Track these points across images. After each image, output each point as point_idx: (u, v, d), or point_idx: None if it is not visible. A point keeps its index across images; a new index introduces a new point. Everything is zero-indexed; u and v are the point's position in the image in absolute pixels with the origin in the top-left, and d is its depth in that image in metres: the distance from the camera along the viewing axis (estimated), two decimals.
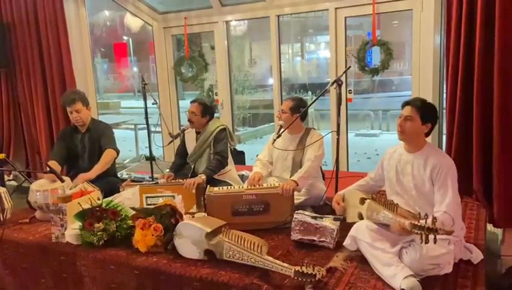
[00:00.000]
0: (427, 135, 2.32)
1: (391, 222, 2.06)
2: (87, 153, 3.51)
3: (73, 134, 3.56)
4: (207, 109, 3.46)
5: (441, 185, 2.18)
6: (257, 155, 3.41)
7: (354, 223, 2.35)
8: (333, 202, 2.64)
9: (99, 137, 3.49)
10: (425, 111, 2.26)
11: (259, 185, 2.91)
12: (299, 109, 3.06)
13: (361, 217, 2.36)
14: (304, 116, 3.14)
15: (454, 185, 2.19)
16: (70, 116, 3.47)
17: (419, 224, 1.86)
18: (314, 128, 3.23)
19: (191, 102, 3.51)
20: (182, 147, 3.67)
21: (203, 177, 3.15)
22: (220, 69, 5.03)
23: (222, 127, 3.45)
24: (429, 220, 1.85)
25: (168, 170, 3.60)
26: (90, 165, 3.36)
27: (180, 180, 3.21)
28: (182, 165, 3.64)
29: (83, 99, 3.48)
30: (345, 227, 2.45)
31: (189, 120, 3.47)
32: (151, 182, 3.48)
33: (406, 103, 2.32)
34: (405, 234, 2.01)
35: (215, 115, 3.64)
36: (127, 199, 2.94)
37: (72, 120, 3.49)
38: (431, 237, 1.83)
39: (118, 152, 3.52)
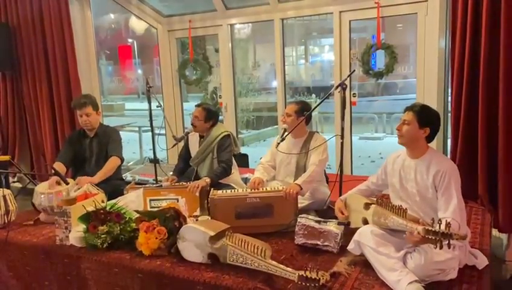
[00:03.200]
0: (429, 140, 2.31)
1: (401, 227, 2.05)
2: (94, 157, 3.53)
3: (82, 138, 3.59)
4: (211, 114, 3.45)
5: (444, 191, 2.17)
6: (261, 158, 3.40)
7: (358, 228, 2.34)
8: (336, 211, 2.62)
9: (107, 142, 3.52)
10: (422, 115, 2.26)
11: (257, 189, 2.90)
12: (304, 112, 3.06)
13: (366, 222, 2.35)
14: (308, 120, 3.14)
15: (458, 190, 2.17)
16: (79, 119, 3.50)
17: (433, 229, 1.84)
18: (317, 132, 3.22)
19: (196, 106, 3.51)
20: (185, 150, 3.67)
21: (208, 180, 3.15)
22: (224, 71, 5.03)
23: (226, 133, 3.44)
24: (443, 226, 1.84)
25: (171, 173, 3.61)
26: (97, 170, 3.38)
27: (184, 183, 3.21)
28: (185, 169, 3.64)
29: (93, 104, 3.51)
30: (349, 231, 2.44)
31: (192, 124, 3.48)
32: (155, 185, 3.49)
33: (406, 108, 2.34)
34: (420, 243, 1.97)
35: (219, 118, 3.63)
36: (131, 201, 2.94)
37: (81, 123, 3.52)
38: (445, 242, 1.81)
39: (122, 160, 3.56)
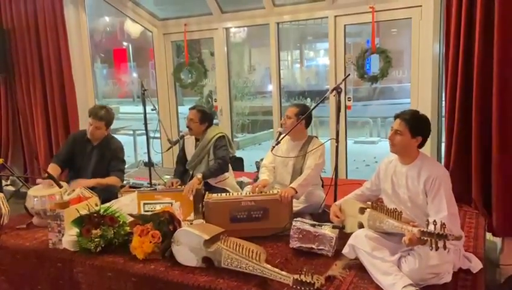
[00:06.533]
0: (420, 146, 2.31)
1: (397, 230, 2.05)
2: (91, 166, 3.45)
3: (85, 143, 3.51)
4: (205, 116, 3.46)
5: (434, 197, 2.17)
6: (256, 161, 3.40)
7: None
8: (331, 215, 2.62)
9: (110, 157, 3.46)
10: (414, 125, 2.26)
11: (260, 192, 2.89)
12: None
13: (361, 227, 2.35)
14: (308, 123, 3.14)
15: (448, 195, 2.18)
16: (88, 126, 3.43)
17: (428, 230, 1.85)
18: (316, 137, 3.21)
19: (190, 109, 3.51)
20: (182, 153, 3.66)
21: (199, 176, 3.14)
22: (219, 75, 5.04)
23: (221, 134, 3.44)
24: (438, 226, 1.84)
25: (169, 177, 3.60)
26: (92, 178, 3.33)
27: (179, 187, 3.20)
28: (184, 171, 3.63)
29: (108, 121, 3.44)
30: (344, 235, 2.45)
31: (187, 127, 3.47)
32: (149, 188, 3.47)
33: (396, 116, 2.33)
34: (418, 244, 1.96)
35: (214, 121, 3.63)
36: (125, 205, 2.93)
37: (87, 131, 3.44)
38: (440, 243, 1.82)
39: (122, 181, 3.55)
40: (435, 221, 1.88)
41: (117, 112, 14.88)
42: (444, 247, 1.82)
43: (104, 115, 3.41)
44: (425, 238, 1.85)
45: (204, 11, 4.89)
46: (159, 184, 3.56)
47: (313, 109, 3.15)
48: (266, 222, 2.74)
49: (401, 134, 2.27)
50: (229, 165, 3.59)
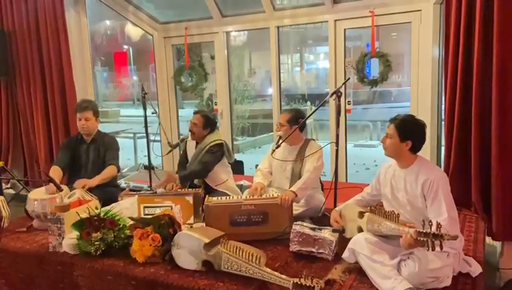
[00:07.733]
0: (414, 151, 2.31)
1: (394, 232, 2.05)
2: (90, 164, 3.52)
3: (79, 144, 3.58)
4: (209, 122, 3.47)
5: (433, 200, 2.18)
6: (256, 165, 3.41)
7: None
8: (331, 220, 2.63)
9: (105, 150, 3.53)
10: (403, 129, 2.27)
11: (261, 195, 2.90)
12: (297, 121, 3.06)
13: (361, 231, 2.35)
14: (302, 127, 3.15)
15: (447, 198, 2.18)
16: (78, 123, 3.51)
17: (424, 231, 1.86)
18: (313, 140, 3.22)
19: (194, 113, 3.51)
20: (184, 156, 3.67)
21: (176, 176, 3.29)
22: (219, 78, 5.05)
23: (219, 141, 3.42)
24: (433, 227, 1.85)
25: None
26: (93, 176, 3.37)
27: (179, 190, 3.20)
28: None
29: (94, 109, 3.53)
30: (344, 239, 2.45)
31: (190, 131, 3.48)
32: (149, 192, 3.47)
33: (390, 120, 2.35)
34: (415, 245, 1.97)
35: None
36: (125, 208, 2.93)
37: (79, 127, 3.52)
38: (437, 243, 1.82)
39: (119, 169, 3.59)
40: (430, 221, 1.87)
41: (117, 115, 14.99)
42: (441, 247, 1.82)
43: (88, 105, 3.52)
44: (422, 239, 1.86)
45: (204, 15, 4.91)
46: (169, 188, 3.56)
47: (310, 115, 3.16)
48: (266, 225, 2.75)
49: (391, 137, 2.29)
50: (229, 168, 3.59)
